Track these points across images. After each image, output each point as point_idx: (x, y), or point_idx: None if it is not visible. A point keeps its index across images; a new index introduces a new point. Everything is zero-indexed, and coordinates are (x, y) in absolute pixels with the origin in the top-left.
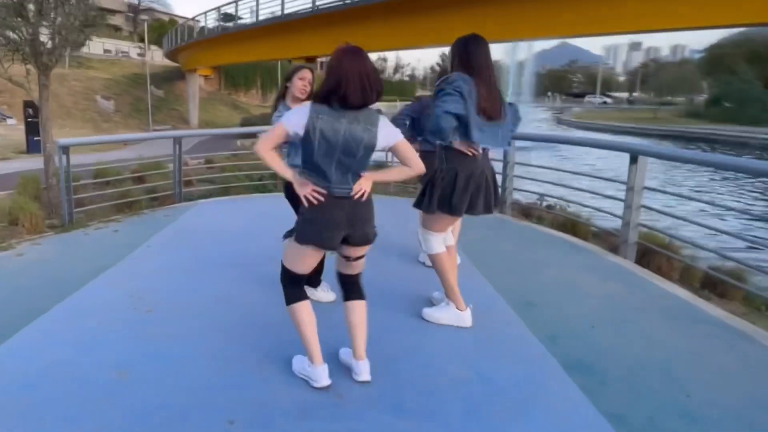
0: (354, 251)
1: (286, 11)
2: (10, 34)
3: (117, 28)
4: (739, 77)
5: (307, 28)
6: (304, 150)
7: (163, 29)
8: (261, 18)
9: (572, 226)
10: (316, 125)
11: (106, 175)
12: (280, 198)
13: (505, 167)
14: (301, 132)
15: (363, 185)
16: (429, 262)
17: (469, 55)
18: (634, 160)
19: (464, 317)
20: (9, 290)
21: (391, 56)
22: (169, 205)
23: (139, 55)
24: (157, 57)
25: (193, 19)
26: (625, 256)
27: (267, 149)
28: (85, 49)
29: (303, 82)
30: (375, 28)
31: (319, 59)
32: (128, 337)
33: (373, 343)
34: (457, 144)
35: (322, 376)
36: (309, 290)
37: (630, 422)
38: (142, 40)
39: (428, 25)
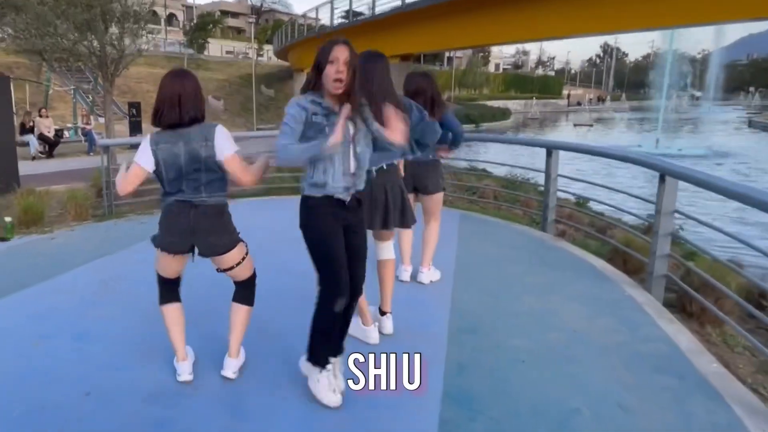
0: (217, 262)
1: (378, 9)
2: (81, 48)
3: (240, 30)
4: None
5: (398, 25)
6: (159, 180)
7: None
8: (377, 11)
9: (622, 256)
10: (158, 157)
11: None
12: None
13: (547, 180)
14: (151, 168)
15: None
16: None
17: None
18: (662, 179)
19: (369, 333)
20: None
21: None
22: None
23: (259, 55)
24: (273, 57)
25: (303, 15)
26: (650, 290)
27: (126, 190)
28: (205, 52)
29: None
30: (468, 23)
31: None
32: (65, 316)
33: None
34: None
35: (184, 370)
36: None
37: None
38: (263, 42)
39: (521, 17)
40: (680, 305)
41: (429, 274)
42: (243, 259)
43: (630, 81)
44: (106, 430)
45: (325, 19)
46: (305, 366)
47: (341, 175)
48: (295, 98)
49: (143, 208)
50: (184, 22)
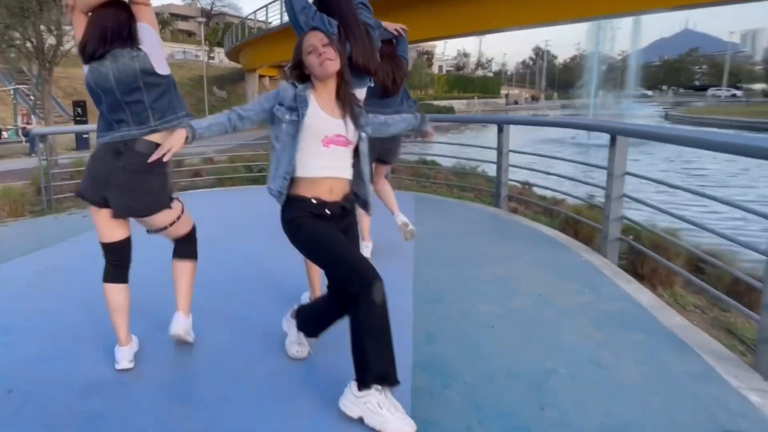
0: (143, 223)
1: None
2: (15, 33)
3: (190, 33)
4: None
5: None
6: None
7: (231, 33)
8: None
9: (574, 224)
10: (89, 80)
11: None
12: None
13: (499, 156)
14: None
15: (170, 144)
16: None
17: None
18: (613, 141)
19: None
20: None
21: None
22: None
23: (210, 57)
24: (225, 59)
25: (254, 13)
26: (605, 254)
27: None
28: None
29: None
30: (418, 16)
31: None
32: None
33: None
34: None
35: (123, 357)
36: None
37: (441, 430)
38: (214, 44)
39: (469, 11)
40: (632, 269)
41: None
42: (178, 218)
43: (560, 81)
44: (31, 430)
45: (274, 20)
46: (351, 403)
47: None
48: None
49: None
50: None
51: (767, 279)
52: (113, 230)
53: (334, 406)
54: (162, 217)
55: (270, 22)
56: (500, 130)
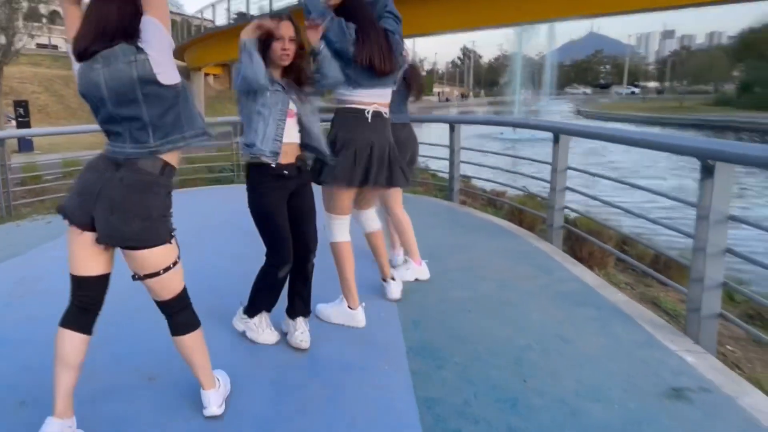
0: (128, 260)
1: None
2: None
3: None
4: None
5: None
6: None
7: (173, 30)
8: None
9: (518, 212)
10: (79, 86)
11: (74, 167)
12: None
13: (451, 154)
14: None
15: None
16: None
17: None
18: (556, 139)
19: (356, 316)
20: None
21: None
22: None
23: None
24: None
25: (200, 12)
26: (551, 241)
27: None
28: None
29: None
30: None
31: None
32: None
33: None
34: None
35: None
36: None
37: (439, 407)
38: None
39: (406, 14)
40: (572, 252)
41: (419, 270)
42: (174, 264)
43: (486, 79)
44: None
45: (220, 20)
46: (239, 322)
47: (271, 139)
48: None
49: (47, 207)
50: None
51: (694, 257)
52: (90, 261)
53: (345, 394)
54: (156, 257)
55: (214, 22)
56: (452, 129)
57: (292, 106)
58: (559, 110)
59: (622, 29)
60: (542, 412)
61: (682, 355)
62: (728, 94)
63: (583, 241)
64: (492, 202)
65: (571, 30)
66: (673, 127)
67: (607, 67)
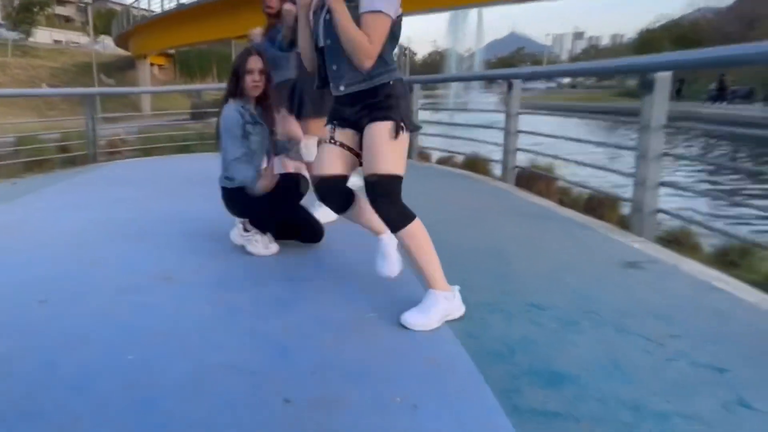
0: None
1: None
2: None
3: (68, 19)
4: None
5: (250, 6)
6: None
7: (113, 18)
8: None
9: (473, 164)
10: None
11: (25, 142)
12: (198, 157)
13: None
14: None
15: None
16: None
17: None
18: (510, 87)
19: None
20: None
21: None
22: (84, 165)
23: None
24: (109, 47)
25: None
26: (506, 180)
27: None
28: (30, 39)
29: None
30: None
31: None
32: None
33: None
34: None
35: None
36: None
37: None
38: (100, 30)
39: None
40: (527, 185)
41: None
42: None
43: (421, 74)
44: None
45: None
46: (238, 236)
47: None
48: (230, 106)
49: (9, 173)
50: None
51: (637, 164)
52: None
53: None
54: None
55: (153, 11)
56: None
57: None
58: (488, 102)
59: (539, 30)
60: (527, 282)
61: (629, 244)
62: (630, 87)
63: (533, 180)
64: (446, 160)
65: (494, 30)
66: (587, 113)
67: (528, 63)
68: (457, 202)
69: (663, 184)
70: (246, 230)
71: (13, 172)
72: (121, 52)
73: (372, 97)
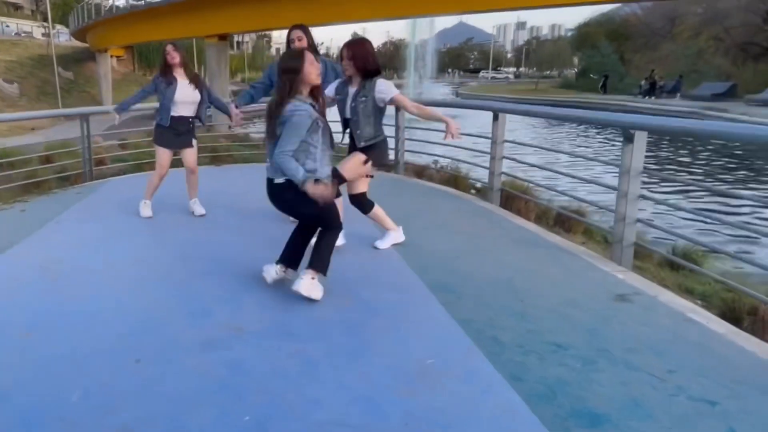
0: None
1: None
2: None
3: (17, 6)
4: (600, 52)
5: (219, 5)
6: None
7: (68, 7)
8: None
9: (454, 180)
10: None
11: (10, 156)
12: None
13: (396, 131)
14: None
15: None
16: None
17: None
18: (496, 117)
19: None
20: None
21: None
22: (80, 184)
23: (43, 35)
24: (63, 37)
25: None
26: (491, 201)
27: None
28: None
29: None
30: (286, 5)
31: (236, 40)
32: (34, 302)
33: (275, 287)
34: None
35: None
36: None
37: (474, 324)
38: (46, 19)
39: (339, 1)
40: (508, 207)
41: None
42: None
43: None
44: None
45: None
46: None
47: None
48: (302, 106)
49: (7, 196)
50: None
51: (618, 203)
52: None
53: (399, 325)
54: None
55: (117, 6)
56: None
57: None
58: (441, 93)
59: (485, 20)
60: (543, 318)
61: (615, 274)
62: (570, 79)
63: (514, 199)
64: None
65: (444, 19)
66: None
67: (476, 54)
68: (456, 227)
69: (640, 220)
70: (312, 277)
71: (11, 194)
72: (77, 43)
73: (372, 148)
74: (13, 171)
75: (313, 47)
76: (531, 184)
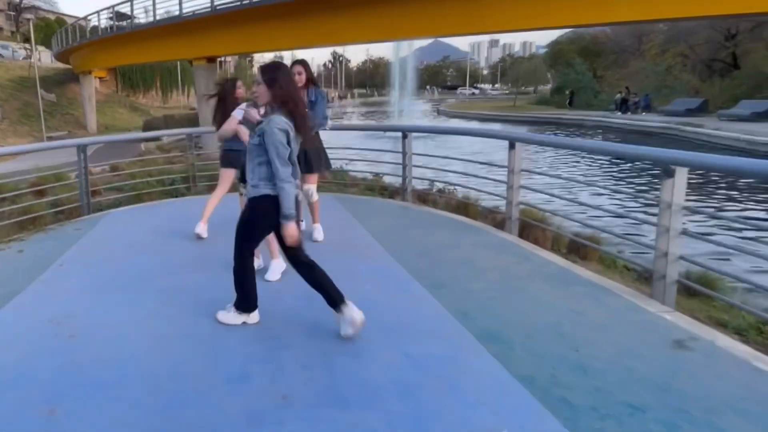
0: None
1: (185, 11)
2: None
3: None
4: (574, 69)
5: (208, 28)
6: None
7: (49, 29)
8: (158, 17)
9: (464, 207)
10: None
11: (1, 190)
12: (194, 201)
13: (404, 157)
14: None
15: None
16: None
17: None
18: (512, 146)
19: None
20: None
21: (287, 54)
22: (76, 218)
23: (24, 58)
24: (45, 58)
25: (85, 18)
26: (510, 231)
27: None
28: None
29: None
30: (274, 29)
31: (219, 59)
32: (53, 367)
33: (313, 340)
34: None
35: None
36: None
37: (537, 382)
38: (25, 40)
39: (323, 25)
40: (524, 235)
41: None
42: None
43: (355, 82)
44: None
45: (104, 22)
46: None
47: None
48: (281, 121)
49: (14, 231)
50: None
51: (659, 239)
52: None
53: (451, 385)
54: None
55: (102, 26)
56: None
57: None
58: (421, 110)
59: (460, 38)
60: (606, 373)
61: (663, 315)
62: (545, 95)
63: (531, 228)
64: (428, 198)
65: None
66: (512, 123)
67: (452, 71)
68: (483, 263)
69: (683, 257)
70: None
71: (4, 231)
72: (59, 65)
73: None
74: (7, 207)
75: (312, 80)
76: (547, 213)
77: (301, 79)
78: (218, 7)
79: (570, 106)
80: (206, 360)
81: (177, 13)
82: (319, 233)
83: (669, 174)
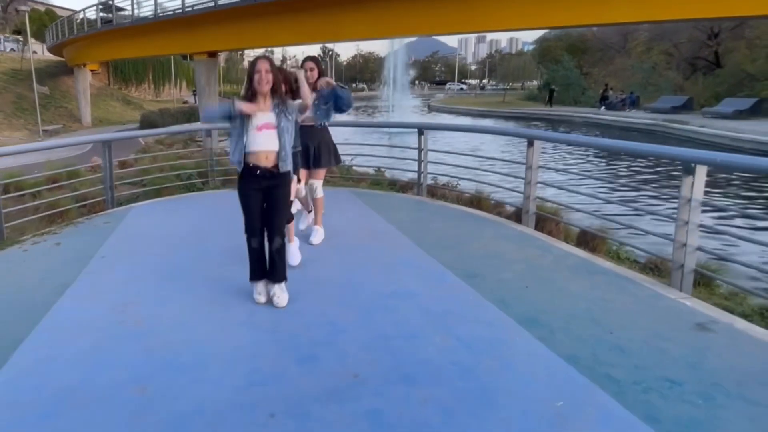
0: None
1: (186, 5)
2: None
3: None
4: (562, 65)
5: (208, 23)
6: None
7: (41, 21)
8: (159, 12)
9: (477, 201)
10: None
11: (20, 185)
12: (217, 195)
13: (419, 153)
14: None
15: None
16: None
17: None
18: (531, 144)
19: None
20: None
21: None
22: (99, 212)
23: (12, 50)
24: (37, 51)
25: (83, 11)
26: (527, 224)
27: None
28: None
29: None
30: (274, 24)
31: (220, 54)
32: (133, 352)
33: (367, 325)
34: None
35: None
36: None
37: (581, 361)
38: (16, 32)
39: (321, 22)
40: (540, 228)
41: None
42: None
43: (346, 76)
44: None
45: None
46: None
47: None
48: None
49: (43, 225)
50: None
51: (678, 232)
52: None
53: (501, 365)
54: None
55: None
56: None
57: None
58: (412, 105)
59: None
60: (641, 352)
61: (682, 301)
62: (533, 91)
63: (545, 221)
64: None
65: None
66: (501, 118)
67: (441, 66)
68: (508, 255)
69: (700, 248)
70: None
71: (34, 226)
72: (51, 57)
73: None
74: (34, 202)
75: (323, 76)
76: (561, 206)
77: (313, 75)
78: (219, 2)
79: (549, 104)
80: (272, 344)
81: (176, 7)
82: (316, 236)
83: (688, 171)
